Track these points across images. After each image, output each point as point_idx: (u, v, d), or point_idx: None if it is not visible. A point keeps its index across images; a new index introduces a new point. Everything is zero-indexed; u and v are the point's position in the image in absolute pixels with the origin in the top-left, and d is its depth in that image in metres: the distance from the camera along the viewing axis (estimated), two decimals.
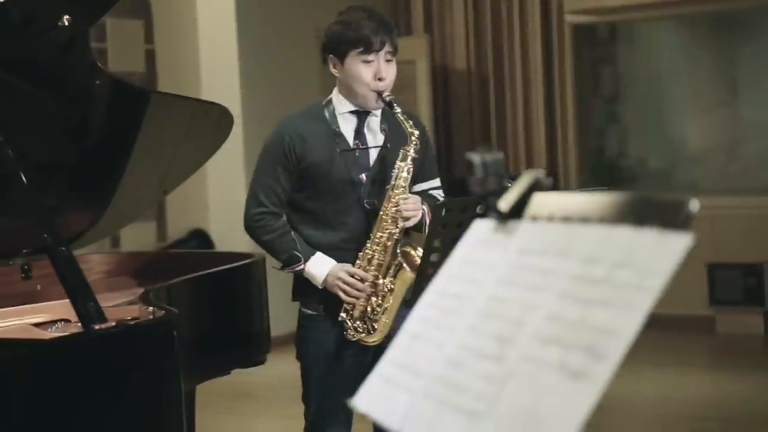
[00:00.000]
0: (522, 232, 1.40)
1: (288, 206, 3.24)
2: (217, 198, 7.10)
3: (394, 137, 3.20)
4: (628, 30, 8.64)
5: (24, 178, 2.72)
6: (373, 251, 3.14)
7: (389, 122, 3.22)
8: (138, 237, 6.91)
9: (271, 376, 5.69)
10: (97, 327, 2.42)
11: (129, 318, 3.06)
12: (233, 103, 7.05)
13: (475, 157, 1.44)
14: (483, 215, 1.50)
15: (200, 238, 7.11)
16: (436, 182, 3.37)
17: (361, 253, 3.15)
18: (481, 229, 1.49)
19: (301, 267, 3.16)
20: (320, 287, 3.16)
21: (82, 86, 3.40)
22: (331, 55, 3.21)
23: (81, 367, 2.33)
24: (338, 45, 3.16)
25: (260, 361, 3.69)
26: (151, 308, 2.69)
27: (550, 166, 8.17)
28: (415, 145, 3.13)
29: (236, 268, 3.58)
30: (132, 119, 3.47)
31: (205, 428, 5.40)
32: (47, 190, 3.66)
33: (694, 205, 1.13)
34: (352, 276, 3.13)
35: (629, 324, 1.11)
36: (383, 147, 3.21)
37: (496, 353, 1.27)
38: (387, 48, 3.16)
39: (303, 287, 3.24)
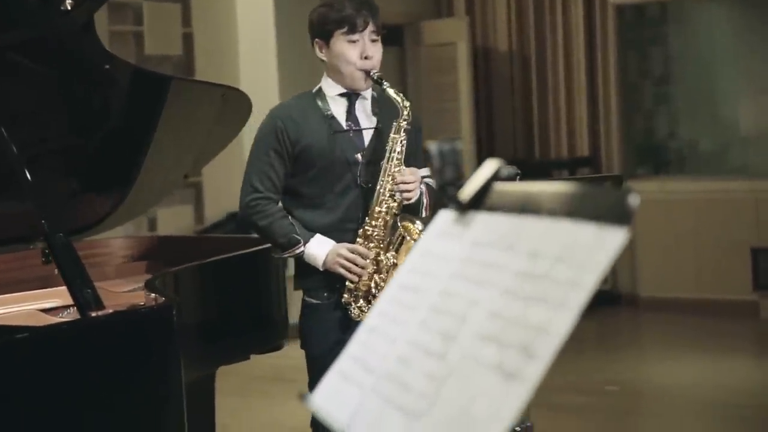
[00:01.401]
0: (477, 224, 1.35)
1: (283, 193, 3.23)
2: None
3: (387, 118, 3.19)
4: (678, 10, 8.48)
5: (24, 165, 2.70)
6: (373, 227, 3.13)
7: (381, 104, 3.23)
8: (175, 220, 6.94)
9: (303, 359, 5.68)
10: (93, 314, 2.40)
11: (140, 304, 3.06)
12: (271, 87, 7.06)
13: (432, 146, 1.40)
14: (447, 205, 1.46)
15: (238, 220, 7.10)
16: (426, 171, 3.35)
17: (360, 231, 3.15)
18: (442, 220, 1.44)
19: (301, 249, 3.15)
20: (321, 269, 3.15)
21: (98, 70, 3.40)
22: (317, 39, 3.22)
23: (75, 354, 2.32)
24: (323, 27, 3.18)
25: (278, 347, 3.68)
26: (154, 295, 2.68)
27: (592, 149, 8.07)
28: (407, 117, 3.13)
29: (252, 253, 3.56)
30: (153, 104, 3.47)
31: (236, 411, 5.43)
32: (68, 174, 3.68)
33: (634, 199, 1.08)
34: (353, 252, 3.12)
35: (562, 322, 1.07)
36: (376, 128, 3.22)
37: (440, 351, 1.23)
38: (371, 27, 3.16)
39: (305, 275, 3.22)
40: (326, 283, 3.17)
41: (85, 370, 2.32)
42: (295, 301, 3.89)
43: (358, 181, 3.18)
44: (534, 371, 1.06)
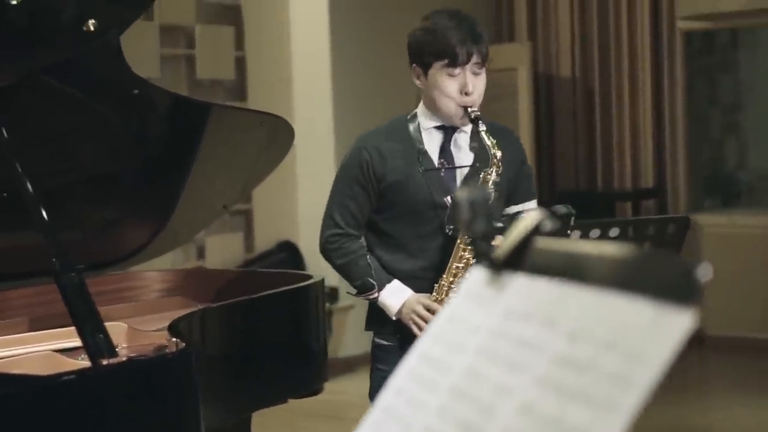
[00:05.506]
0: (513, 289, 1.12)
1: (366, 227, 3.03)
2: (307, 210, 6.91)
3: (486, 157, 2.91)
4: (750, 36, 8.20)
5: (40, 200, 2.52)
6: (449, 283, 2.90)
7: (480, 140, 2.92)
8: (224, 248, 6.77)
9: (360, 397, 5.44)
10: (105, 362, 2.21)
11: (165, 346, 2.87)
12: (325, 113, 6.88)
13: (461, 195, 1.18)
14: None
15: (289, 250, 6.94)
16: (532, 204, 3.08)
17: (437, 285, 2.92)
18: (474, 279, 1.21)
19: (375, 295, 2.95)
20: (393, 318, 2.95)
21: (128, 95, 3.26)
22: (414, 65, 2.96)
23: (81, 408, 2.12)
24: (421, 55, 2.91)
25: (316, 391, 3.47)
26: (175, 340, 2.48)
27: (657, 180, 7.76)
28: (497, 167, 2.86)
29: (290, 291, 3.36)
30: (193, 132, 3.33)
31: None
32: (104, 203, 3.52)
33: (705, 272, 0.84)
34: (428, 310, 2.90)
35: (608, 428, 0.83)
36: (472, 167, 2.95)
37: None
38: (475, 59, 2.87)
39: (377, 315, 3.02)
40: (399, 327, 2.97)
41: (92, 425, 2.12)
42: (339, 337, 3.69)
43: (445, 228, 2.94)
44: None
